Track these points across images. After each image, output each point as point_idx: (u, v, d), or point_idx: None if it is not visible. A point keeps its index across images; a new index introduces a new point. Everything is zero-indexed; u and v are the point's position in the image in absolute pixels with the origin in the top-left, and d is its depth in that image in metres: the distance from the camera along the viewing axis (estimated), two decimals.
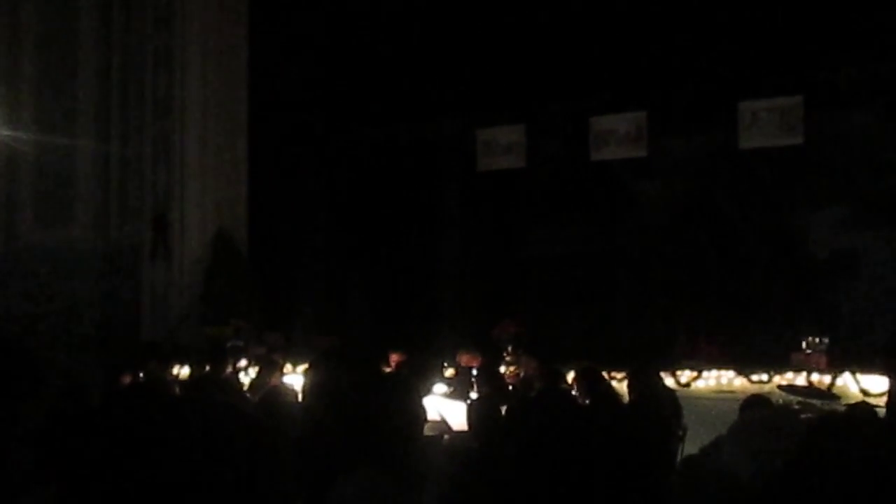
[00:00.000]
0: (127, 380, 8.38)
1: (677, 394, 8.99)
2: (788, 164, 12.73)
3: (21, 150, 13.89)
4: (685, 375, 10.15)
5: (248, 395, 8.63)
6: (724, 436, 4.44)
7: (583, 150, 12.64)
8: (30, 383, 3.77)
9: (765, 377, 9.74)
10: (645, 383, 8.32)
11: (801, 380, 9.50)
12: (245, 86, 14.27)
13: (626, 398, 8.28)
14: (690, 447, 7.32)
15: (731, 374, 10.04)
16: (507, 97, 13.32)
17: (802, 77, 11.66)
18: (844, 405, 7.40)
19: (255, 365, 10.39)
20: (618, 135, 12.32)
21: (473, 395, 8.32)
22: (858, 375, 9.28)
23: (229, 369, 9.83)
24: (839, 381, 9.35)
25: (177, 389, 9.05)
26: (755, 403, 6.66)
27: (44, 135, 13.89)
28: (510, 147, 13.07)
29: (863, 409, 5.90)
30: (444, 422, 7.21)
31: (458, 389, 8.72)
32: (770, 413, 5.77)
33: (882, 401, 7.92)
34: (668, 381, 9.76)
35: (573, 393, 8.11)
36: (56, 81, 14.22)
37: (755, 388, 9.10)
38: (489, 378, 8.88)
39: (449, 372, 10.02)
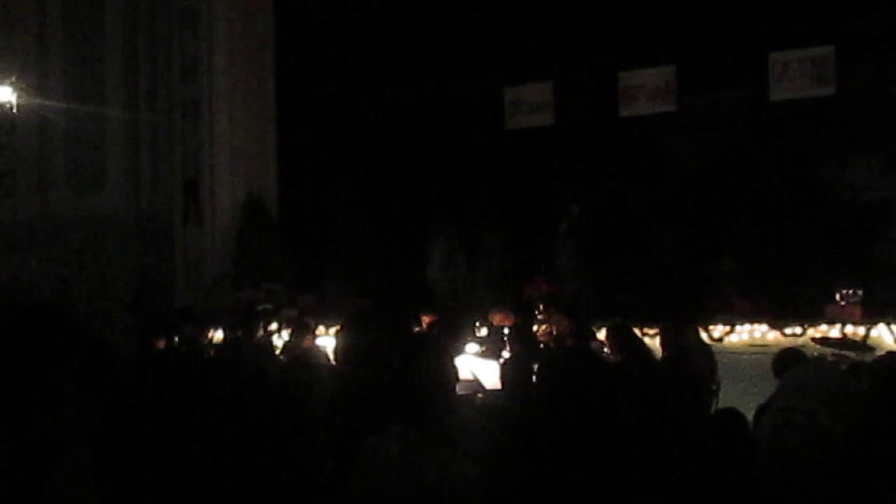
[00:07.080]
0: (161, 344, 8.46)
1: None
2: (820, 115, 12.59)
3: (51, 119, 13.98)
4: (718, 330, 10.10)
5: (281, 357, 8.67)
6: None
7: (611, 107, 12.54)
8: (68, 345, 3.79)
9: (798, 330, 9.67)
10: (677, 339, 8.29)
11: (835, 332, 9.43)
12: (272, 48, 14.26)
13: (660, 354, 8.26)
14: (724, 402, 7.30)
15: (764, 327, 9.98)
16: (534, 55, 13.23)
17: (833, 27, 11.50)
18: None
19: (288, 327, 10.43)
20: (647, 90, 12.19)
21: (506, 354, 8.31)
22: (893, 326, 9.22)
23: (262, 332, 9.87)
24: (874, 333, 9.30)
25: (210, 353, 9.12)
26: (789, 357, 6.64)
27: (73, 103, 13.97)
28: (538, 105, 12.99)
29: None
30: (476, 381, 7.21)
31: (491, 348, 8.70)
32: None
33: None
34: (701, 336, 9.73)
35: (604, 350, 8.12)
36: (84, 50, 14.28)
37: (789, 342, 9.03)
38: (521, 336, 8.86)
39: (482, 331, 10.02)
